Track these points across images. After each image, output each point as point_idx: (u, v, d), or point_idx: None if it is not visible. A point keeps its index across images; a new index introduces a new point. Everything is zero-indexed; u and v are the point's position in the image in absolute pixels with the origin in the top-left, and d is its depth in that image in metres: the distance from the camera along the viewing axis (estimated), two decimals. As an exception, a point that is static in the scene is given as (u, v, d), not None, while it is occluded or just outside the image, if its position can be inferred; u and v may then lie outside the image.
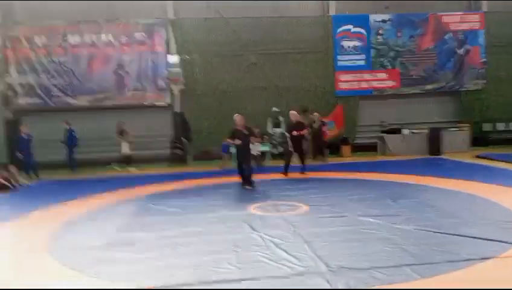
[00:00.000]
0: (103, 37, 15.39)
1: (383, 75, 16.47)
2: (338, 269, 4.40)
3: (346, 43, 16.24)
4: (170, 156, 15.05)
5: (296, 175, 11.06)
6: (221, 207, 7.66)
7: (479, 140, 16.17)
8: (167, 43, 15.70)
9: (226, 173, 12.08)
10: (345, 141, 15.83)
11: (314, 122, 14.26)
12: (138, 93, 15.65)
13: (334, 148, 15.85)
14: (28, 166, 12.79)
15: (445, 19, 16.57)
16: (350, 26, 16.21)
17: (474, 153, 13.97)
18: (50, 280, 4.57)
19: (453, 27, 16.60)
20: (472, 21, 16.66)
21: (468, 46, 16.70)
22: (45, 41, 15.18)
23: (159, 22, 15.61)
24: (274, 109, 15.27)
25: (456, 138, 15.40)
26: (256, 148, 13.05)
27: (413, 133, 15.36)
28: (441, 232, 5.50)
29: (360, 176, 10.56)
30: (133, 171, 13.65)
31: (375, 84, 16.47)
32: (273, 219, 6.64)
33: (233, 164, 11.80)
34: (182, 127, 15.75)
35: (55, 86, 15.26)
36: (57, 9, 15.20)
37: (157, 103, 15.76)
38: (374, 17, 16.32)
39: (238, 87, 15.80)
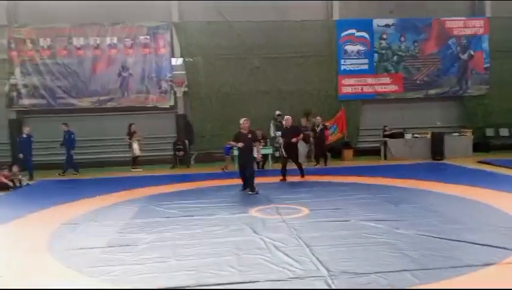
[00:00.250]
0: (108, 39, 15.46)
1: (386, 80, 16.46)
2: (339, 274, 4.39)
3: (350, 48, 16.24)
4: (173, 158, 15.07)
5: (297, 178, 11.04)
6: (222, 209, 7.67)
7: (482, 145, 16.12)
8: (171, 46, 15.75)
9: (228, 175, 12.10)
10: (347, 145, 15.81)
11: (317, 126, 14.28)
12: (142, 96, 15.69)
13: (336, 152, 15.89)
14: (29, 166, 12.89)
15: (448, 24, 16.56)
16: (354, 31, 16.22)
17: (476, 159, 13.93)
18: (50, 279, 4.58)
19: (456, 32, 16.58)
20: (476, 26, 16.63)
21: (471, 52, 16.68)
22: (50, 43, 15.25)
23: (163, 25, 15.67)
24: (277, 112, 15.27)
25: (459, 143, 15.36)
26: (258, 151, 13.09)
27: (415, 137, 15.33)
28: (443, 238, 5.48)
29: (362, 180, 10.54)
30: (136, 172, 13.72)
31: (378, 88, 16.46)
32: (275, 222, 6.64)
33: (235, 166, 11.82)
34: (184, 129, 15.81)
35: (59, 87, 15.33)
36: (62, 11, 15.28)
37: (161, 105, 15.80)
38: (378, 22, 16.32)
39: (241, 90, 15.83)
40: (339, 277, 4.31)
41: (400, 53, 16.46)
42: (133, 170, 14.10)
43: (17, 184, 11.26)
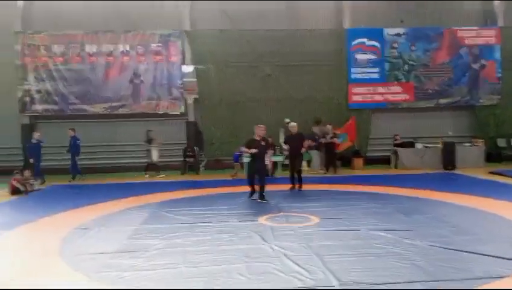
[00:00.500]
0: (120, 46, 15.65)
1: (397, 88, 16.41)
2: (349, 283, 4.37)
3: (360, 56, 16.25)
4: (182, 165, 15.14)
5: (307, 187, 10.98)
6: (232, 217, 7.67)
7: (494, 156, 15.97)
8: (182, 54, 15.90)
9: (237, 182, 12.10)
10: (357, 153, 15.75)
11: (327, 134, 14.28)
12: (153, 102, 15.84)
13: (346, 160, 15.83)
14: (39, 171, 13.01)
15: (460, 34, 16.50)
16: (364, 40, 16.23)
17: (488, 169, 13.78)
18: (59, 283, 4.62)
19: (468, 42, 16.51)
20: (488, 36, 16.55)
21: (483, 61, 16.58)
22: (63, 49, 15.49)
23: (175, 33, 15.83)
24: (286, 120, 15.27)
25: (471, 153, 15.22)
26: (269, 158, 13.11)
27: (426, 147, 15.22)
28: (454, 249, 5.42)
29: (372, 189, 10.48)
30: (147, 178, 13.83)
31: (389, 97, 16.41)
32: (284, 231, 6.61)
33: (244, 174, 11.84)
34: (194, 136, 15.89)
35: (72, 93, 15.54)
36: (76, 18, 15.55)
37: (171, 112, 15.92)
38: (389, 31, 16.32)
39: (252, 98, 15.89)
40: (349, 287, 4.28)
41: (411, 62, 16.41)
42: (146, 175, 14.14)
43: (29, 189, 11.37)
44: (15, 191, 10.96)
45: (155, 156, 14.43)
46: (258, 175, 9.39)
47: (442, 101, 16.58)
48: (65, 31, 15.48)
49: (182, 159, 15.29)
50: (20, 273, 4.99)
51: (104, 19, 15.61)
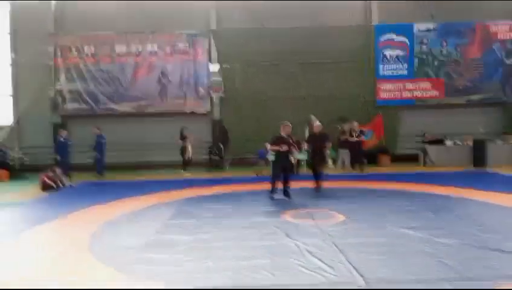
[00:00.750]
0: (148, 46, 15.94)
1: (426, 85, 16.09)
2: (375, 281, 4.34)
3: (389, 52, 16.01)
4: (208, 162, 15.30)
5: (330, 184, 10.89)
6: (256, 213, 7.72)
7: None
8: (209, 53, 16.05)
9: (262, 179, 12.13)
10: (384, 151, 15.53)
11: (354, 131, 14.14)
12: (180, 101, 16.07)
13: (373, 158, 15.61)
14: (66, 168, 13.30)
15: (493, 28, 16.02)
16: (393, 35, 15.99)
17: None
18: (89, 277, 4.76)
19: (501, 36, 16.03)
20: (522, 30, 16.02)
21: (517, 57, 16.07)
22: (94, 50, 15.91)
23: (201, 33, 16.02)
24: (312, 116, 15.20)
25: (503, 151, 14.77)
26: (293, 156, 13.07)
27: (456, 144, 14.86)
28: (483, 247, 5.31)
29: (399, 187, 10.32)
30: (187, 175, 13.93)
31: (418, 93, 16.11)
32: (309, 227, 6.61)
33: (269, 171, 11.87)
34: (220, 133, 16.02)
35: (102, 93, 15.94)
36: (106, 20, 15.93)
37: (197, 111, 16.10)
38: (419, 26, 16.01)
39: (276, 96, 15.88)
40: (375, 284, 4.26)
41: (441, 58, 16.06)
42: (184, 171, 14.28)
43: (60, 185, 11.72)
44: (46, 187, 11.33)
45: (189, 152, 14.58)
46: (284, 172, 9.35)
47: (473, 97, 16.16)
48: (95, 32, 15.89)
49: (207, 156, 15.44)
50: (51, 269, 5.13)
51: (132, 20, 15.94)
